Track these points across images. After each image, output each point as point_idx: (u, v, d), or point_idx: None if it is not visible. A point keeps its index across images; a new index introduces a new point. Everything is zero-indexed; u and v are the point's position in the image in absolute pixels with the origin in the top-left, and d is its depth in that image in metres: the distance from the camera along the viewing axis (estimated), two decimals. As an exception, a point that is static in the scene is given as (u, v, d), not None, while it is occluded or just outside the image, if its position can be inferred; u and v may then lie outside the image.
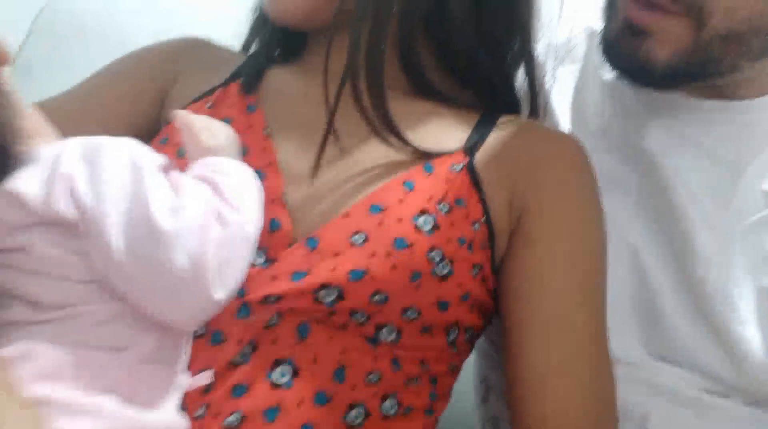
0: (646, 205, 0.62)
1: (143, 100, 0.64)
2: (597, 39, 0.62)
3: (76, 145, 0.44)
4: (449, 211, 0.52)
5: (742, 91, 0.61)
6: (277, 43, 0.65)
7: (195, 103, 0.61)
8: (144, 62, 0.66)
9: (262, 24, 0.66)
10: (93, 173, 0.42)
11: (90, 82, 0.66)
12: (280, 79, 0.62)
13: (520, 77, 0.64)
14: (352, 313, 0.49)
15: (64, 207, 0.41)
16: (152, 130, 0.63)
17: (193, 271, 0.41)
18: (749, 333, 0.57)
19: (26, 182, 0.41)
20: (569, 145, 0.60)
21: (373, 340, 0.50)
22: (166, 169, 0.46)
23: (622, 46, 0.58)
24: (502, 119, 0.59)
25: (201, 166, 0.47)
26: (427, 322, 0.51)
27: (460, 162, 0.55)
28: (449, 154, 0.55)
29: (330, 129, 0.54)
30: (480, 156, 0.56)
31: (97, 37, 0.97)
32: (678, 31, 0.55)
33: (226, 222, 0.43)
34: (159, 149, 0.56)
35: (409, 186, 0.52)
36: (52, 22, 1.02)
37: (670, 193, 0.61)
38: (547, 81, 0.68)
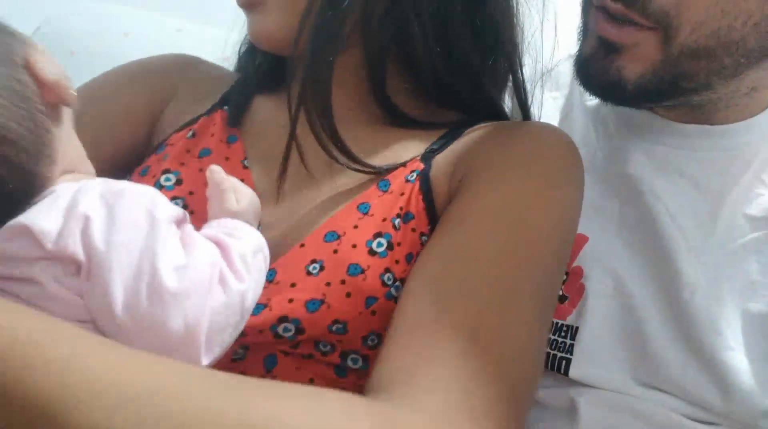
0: (629, 231, 0.62)
1: (136, 118, 0.63)
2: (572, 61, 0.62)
3: (98, 185, 0.44)
4: (400, 228, 0.51)
5: (722, 113, 0.61)
6: (265, 70, 0.64)
7: (178, 132, 0.60)
8: (138, 79, 0.65)
9: (254, 49, 0.65)
10: (109, 218, 0.41)
11: (82, 97, 0.66)
12: (263, 107, 0.62)
13: (508, 100, 0.64)
14: (316, 344, 0.49)
15: (73, 247, 0.40)
16: (141, 147, 0.63)
17: (186, 334, 0.41)
18: (736, 359, 0.56)
19: (41, 217, 0.41)
20: (535, 130, 0.57)
21: (341, 369, 0.49)
22: (180, 223, 0.46)
23: (594, 64, 0.58)
24: (478, 126, 0.58)
25: (216, 227, 0.47)
26: None
27: (413, 170, 0.54)
28: (403, 165, 0.54)
29: (287, 155, 0.53)
30: (437, 160, 0.54)
31: (89, 57, 0.97)
32: (649, 46, 0.55)
33: (229, 288, 0.43)
34: (138, 180, 0.56)
35: (364, 209, 0.52)
36: (44, 43, 1.02)
37: (653, 219, 0.60)
38: (532, 106, 0.69)
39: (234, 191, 0.50)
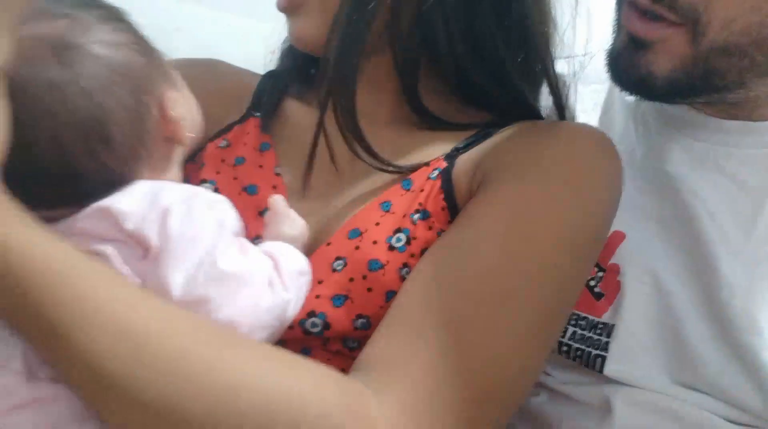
0: (668, 229, 0.61)
1: None
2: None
3: (179, 186, 0.50)
4: (417, 224, 0.52)
5: (762, 110, 0.60)
6: (298, 71, 0.65)
7: (212, 141, 0.62)
8: None
9: (290, 52, 0.66)
10: (187, 214, 0.46)
11: None
12: (295, 111, 0.63)
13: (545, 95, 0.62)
14: (344, 340, 0.50)
15: (150, 232, 0.45)
16: None
17: (231, 323, 0.44)
18: None
19: (125, 203, 0.45)
20: (569, 130, 0.56)
21: None
22: (238, 234, 0.50)
23: (624, 59, 0.58)
24: (511, 126, 0.57)
25: (270, 246, 0.51)
26: None
27: (436, 168, 0.54)
28: (426, 164, 0.55)
29: (313, 152, 0.55)
30: (461, 159, 0.54)
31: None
32: (677, 42, 0.55)
33: (276, 293, 0.47)
34: None
35: (386, 207, 0.53)
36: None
37: (691, 217, 0.60)
38: (572, 100, 0.69)
39: (290, 218, 0.53)
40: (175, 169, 0.53)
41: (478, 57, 0.56)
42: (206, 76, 0.68)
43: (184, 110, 0.52)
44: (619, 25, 0.60)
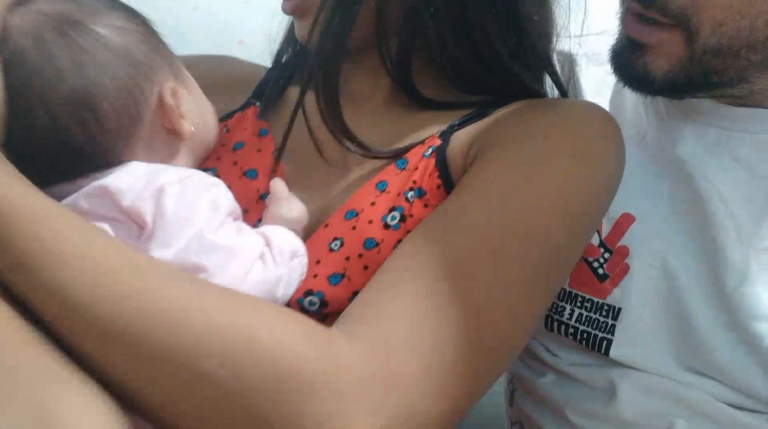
0: (678, 214, 0.60)
1: None
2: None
3: (176, 168, 0.51)
4: (413, 201, 0.52)
5: None
6: (299, 60, 0.65)
7: None
8: None
9: (294, 37, 0.66)
10: (181, 194, 0.47)
11: None
12: (294, 99, 0.62)
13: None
14: None
15: (144, 209, 0.46)
16: None
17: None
18: None
19: (123, 181, 0.47)
20: (568, 105, 0.56)
21: None
22: (236, 217, 0.51)
23: (623, 59, 0.59)
24: (510, 105, 0.56)
25: (265, 227, 0.52)
26: None
27: (430, 146, 0.54)
28: (421, 143, 0.55)
29: (289, 128, 0.56)
30: (456, 136, 0.54)
31: (161, 31, 1.01)
32: (673, 44, 0.55)
33: (267, 268, 0.48)
34: None
35: (382, 186, 0.53)
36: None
37: (703, 203, 0.59)
38: (580, 80, 0.68)
39: (289, 201, 0.54)
40: (182, 162, 0.54)
41: (471, 45, 0.56)
42: (215, 69, 0.69)
43: (191, 107, 0.53)
44: (620, 27, 0.61)
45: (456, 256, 0.45)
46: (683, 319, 0.58)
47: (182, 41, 0.73)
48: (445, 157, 0.53)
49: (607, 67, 0.62)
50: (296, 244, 0.51)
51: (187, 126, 0.52)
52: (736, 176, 0.59)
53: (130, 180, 0.47)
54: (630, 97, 0.67)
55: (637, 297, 0.59)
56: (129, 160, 0.50)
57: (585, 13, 0.60)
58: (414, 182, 0.53)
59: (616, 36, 0.61)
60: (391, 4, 0.54)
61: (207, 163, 0.60)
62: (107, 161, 0.49)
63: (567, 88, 0.63)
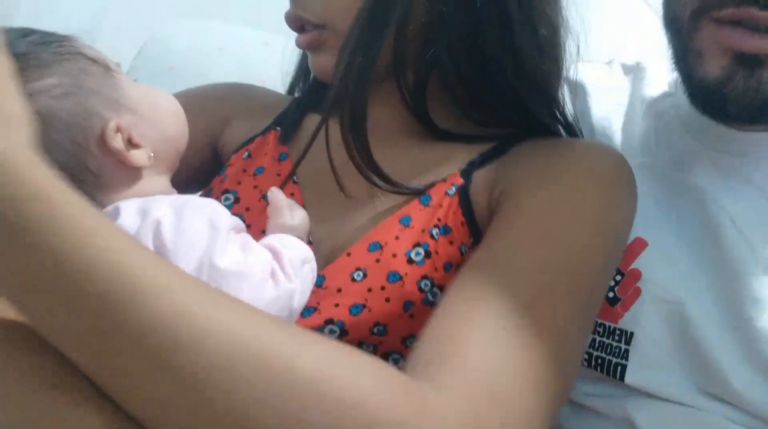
0: (690, 240, 0.60)
1: (196, 143, 0.66)
2: (680, 88, 0.59)
3: (167, 197, 0.52)
4: (438, 239, 0.53)
5: None
6: (319, 90, 0.66)
7: (235, 153, 0.65)
8: (195, 107, 0.68)
9: (306, 69, 0.68)
10: (177, 222, 0.48)
11: None
12: (314, 126, 0.64)
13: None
14: (360, 344, 0.51)
15: (147, 245, 0.46)
16: (207, 168, 0.68)
17: None
18: None
19: (119, 222, 0.48)
20: (584, 146, 0.57)
21: None
22: (238, 231, 0.52)
23: (735, 86, 0.53)
24: (525, 142, 0.58)
25: (271, 238, 0.53)
26: None
27: (453, 184, 0.55)
28: (443, 180, 0.56)
29: (304, 154, 0.57)
30: (478, 175, 0.56)
31: (186, 71, 1.06)
32: None
33: (279, 285, 0.48)
34: None
35: (406, 221, 0.54)
36: (147, 61, 1.13)
37: (716, 229, 0.58)
38: (591, 109, 0.68)
39: (290, 209, 0.55)
40: (156, 182, 0.54)
41: (487, 80, 0.57)
42: (237, 95, 0.72)
43: (144, 129, 0.52)
44: (708, 49, 0.55)
45: (516, 299, 0.46)
46: (698, 344, 0.57)
47: (206, 80, 0.76)
48: (468, 196, 0.55)
49: (618, 98, 0.62)
50: (304, 251, 0.52)
51: (143, 155, 0.52)
52: (750, 201, 0.58)
53: (126, 221, 0.48)
54: (639, 125, 0.67)
55: (648, 321, 0.59)
56: (112, 201, 0.50)
57: (581, 40, 0.60)
58: (439, 220, 0.54)
59: (689, 72, 0.57)
60: (408, 37, 0.56)
61: (228, 185, 0.62)
62: None
63: (576, 121, 0.63)
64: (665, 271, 0.60)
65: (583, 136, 0.64)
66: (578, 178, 0.53)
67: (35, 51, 0.49)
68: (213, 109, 0.70)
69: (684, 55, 0.58)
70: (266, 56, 1.05)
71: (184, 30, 1.19)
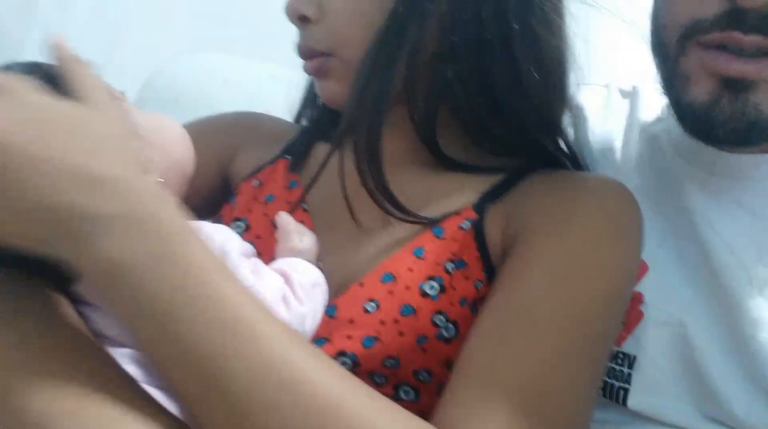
0: (687, 262, 0.60)
1: (207, 171, 0.68)
2: (666, 108, 0.60)
3: None
4: (453, 273, 0.53)
5: None
6: (327, 119, 0.67)
7: (245, 181, 0.65)
8: (206, 136, 0.70)
9: (313, 98, 0.69)
10: None
11: None
12: (324, 154, 0.65)
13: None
14: (370, 374, 0.51)
15: None
16: (217, 196, 0.68)
17: None
18: None
19: None
20: (593, 183, 0.58)
21: (393, 399, 0.50)
22: (249, 256, 0.53)
23: (722, 109, 0.54)
24: (534, 175, 0.59)
25: (281, 262, 0.53)
26: (442, 382, 0.51)
27: (467, 219, 0.56)
28: (457, 213, 0.56)
29: (313, 181, 0.58)
30: (491, 210, 0.56)
31: (192, 103, 1.07)
32: None
33: (291, 309, 0.49)
34: None
35: (419, 253, 0.54)
36: (155, 92, 1.15)
37: (710, 251, 0.59)
38: (591, 136, 0.69)
39: (298, 233, 0.55)
40: None
41: (496, 110, 0.58)
42: (245, 124, 0.73)
43: (153, 155, 0.51)
44: (695, 73, 0.56)
45: (533, 369, 0.48)
46: (699, 368, 0.58)
47: (212, 112, 0.78)
48: (483, 231, 0.55)
49: (617, 120, 0.63)
50: (315, 275, 0.52)
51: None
52: (742, 223, 0.59)
53: None
54: (635, 148, 0.68)
55: (651, 345, 0.59)
56: None
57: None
58: (453, 254, 0.54)
59: (677, 95, 0.57)
60: (419, 66, 0.56)
61: (238, 213, 0.62)
62: None
63: (580, 151, 0.65)
64: (666, 294, 0.60)
65: (587, 166, 0.65)
66: (590, 219, 0.54)
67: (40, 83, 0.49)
68: (222, 138, 0.71)
69: (671, 80, 0.58)
70: (272, 89, 1.07)
71: (189, 63, 1.21)
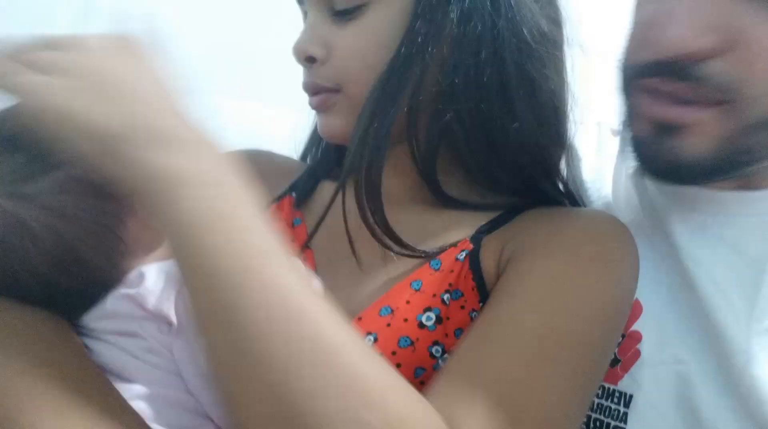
0: (678, 299, 0.61)
1: None
2: (627, 141, 0.61)
3: None
4: (449, 304, 0.54)
5: (756, 179, 0.59)
6: (330, 158, 0.69)
7: None
8: None
9: (318, 137, 0.71)
10: None
11: None
12: (328, 192, 0.66)
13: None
14: None
15: (167, 310, 0.49)
16: None
17: None
18: None
19: (143, 286, 0.50)
20: (588, 215, 0.59)
21: None
22: None
23: (650, 147, 0.57)
24: (532, 210, 0.60)
25: None
26: None
27: (463, 250, 0.57)
28: (453, 245, 0.57)
29: (321, 220, 0.59)
30: (486, 240, 0.57)
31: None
32: (711, 122, 0.53)
33: None
34: None
35: (416, 286, 0.55)
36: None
37: (696, 287, 0.59)
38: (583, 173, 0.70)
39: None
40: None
41: (494, 151, 0.59)
42: (256, 161, 0.73)
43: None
44: (636, 113, 0.59)
45: (519, 370, 0.48)
46: (695, 406, 0.57)
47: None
48: (478, 261, 0.56)
49: (607, 157, 0.64)
50: None
51: (152, 246, 0.53)
52: (726, 259, 0.59)
53: (149, 284, 0.50)
54: (623, 184, 0.69)
55: (648, 384, 0.59)
56: (135, 266, 0.52)
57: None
58: (450, 285, 0.55)
59: (631, 126, 0.59)
60: (421, 105, 0.58)
61: None
62: (119, 279, 0.51)
63: (576, 189, 0.66)
64: (662, 332, 0.60)
65: (584, 204, 0.66)
66: (582, 247, 0.55)
67: None
68: None
69: (626, 117, 0.61)
70: (273, 130, 1.08)
71: (192, 104, 1.23)
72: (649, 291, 0.62)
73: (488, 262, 0.56)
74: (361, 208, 0.57)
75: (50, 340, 0.46)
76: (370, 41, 0.58)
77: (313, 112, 0.69)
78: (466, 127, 0.58)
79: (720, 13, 0.50)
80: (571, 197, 0.65)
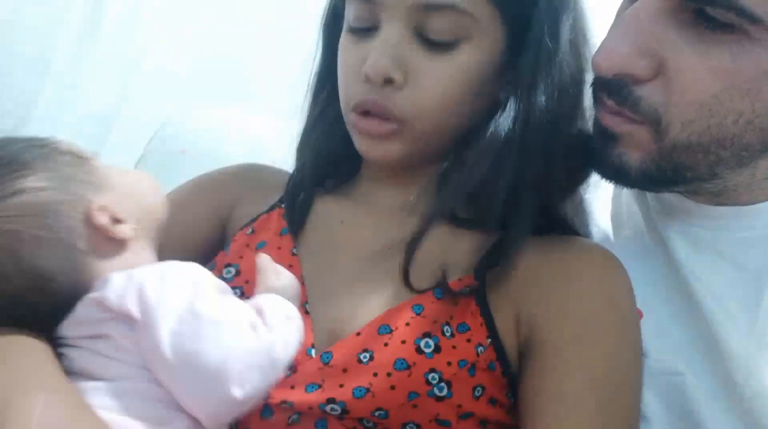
0: (679, 313, 0.61)
1: (208, 223, 0.71)
2: None
3: (150, 265, 0.55)
4: (452, 335, 0.54)
5: (746, 196, 0.61)
6: (326, 171, 0.69)
7: (240, 231, 0.67)
8: (207, 190, 0.73)
9: (306, 149, 0.70)
10: (160, 283, 0.51)
11: (172, 203, 0.69)
12: (320, 203, 0.67)
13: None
14: (359, 420, 0.52)
15: (130, 306, 0.50)
16: (218, 246, 0.70)
17: (220, 365, 0.48)
18: None
19: (107, 288, 0.52)
20: (590, 254, 0.60)
21: None
22: (223, 292, 0.55)
23: (598, 150, 0.60)
24: (530, 239, 0.59)
25: (258, 297, 0.55)
26: None
27: (467, 285, 0.57)
28: (458, 279, 0.57)
29: (409, 258, 0.58)
30: (492, 277, 0.57)
31: (197, 154, 1.10)
32: (642, 137, 0.56)
33: (259, 335, 0.50)
34: None
35: (417, 310, 0.55)
36: (162, 144, 1.18)
37: (698, 302, 0.60)
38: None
39: (275, 272, 0.57)
40: (142, 256, 0.58)
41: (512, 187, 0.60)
42: (246, 176, 0.75)
43: (125, 205, 0.57)
44: (594, 121, 0.62)
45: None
46: (695, 418, 0.58)
47: (218, 162, 0.80)
48: (485, 298, 0.57)
49: None
50: (289, 309, 0.53)
51: (127, 228, 0.56)
52: (725, 273, 0.60)
53: (113, 285, 0.52)
54: (625, 198, 0.70)
55: (649, 393, 0.59)
56: (101, 275, 0.54)
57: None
58: (451, 317, 0.55)
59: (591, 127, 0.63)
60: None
61: (230, 260, 0.63)
62: (85, 288, 0.53)
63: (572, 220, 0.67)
64: (659, 344, 0.61)
65: (584, 233, 0.67)
66: (600, 316, 0.57)
67: (15, 154, 0.54)
68: (223, 191, 0.73)
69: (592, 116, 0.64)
70: (276, 140, 1.10)
71: (196, 115, 1.25)
72: (650, 303, 0.62)
73: (501, 313, 0.56)
74: (414, 233, 0.58)
75: (28, 351, 0.50)
76: (455, 79, 0.57)
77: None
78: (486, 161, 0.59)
79: (652, 40, 0.54)
80: (569, 227, 0.65)
